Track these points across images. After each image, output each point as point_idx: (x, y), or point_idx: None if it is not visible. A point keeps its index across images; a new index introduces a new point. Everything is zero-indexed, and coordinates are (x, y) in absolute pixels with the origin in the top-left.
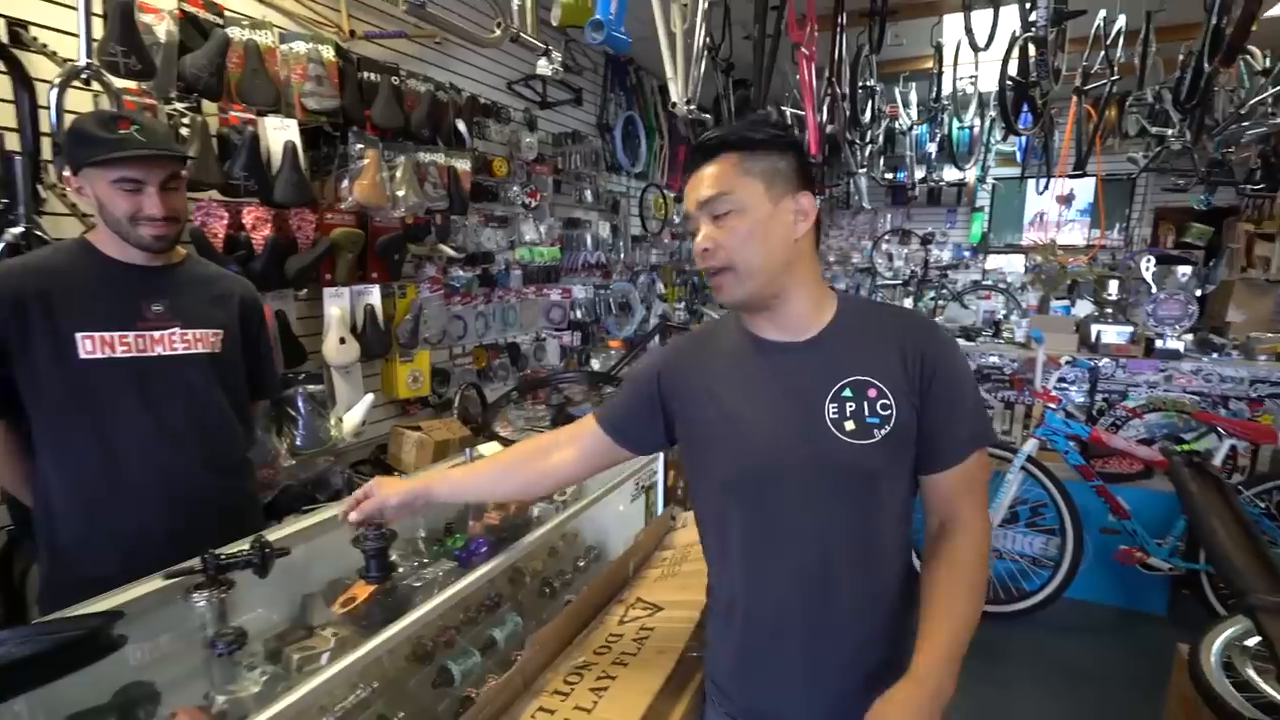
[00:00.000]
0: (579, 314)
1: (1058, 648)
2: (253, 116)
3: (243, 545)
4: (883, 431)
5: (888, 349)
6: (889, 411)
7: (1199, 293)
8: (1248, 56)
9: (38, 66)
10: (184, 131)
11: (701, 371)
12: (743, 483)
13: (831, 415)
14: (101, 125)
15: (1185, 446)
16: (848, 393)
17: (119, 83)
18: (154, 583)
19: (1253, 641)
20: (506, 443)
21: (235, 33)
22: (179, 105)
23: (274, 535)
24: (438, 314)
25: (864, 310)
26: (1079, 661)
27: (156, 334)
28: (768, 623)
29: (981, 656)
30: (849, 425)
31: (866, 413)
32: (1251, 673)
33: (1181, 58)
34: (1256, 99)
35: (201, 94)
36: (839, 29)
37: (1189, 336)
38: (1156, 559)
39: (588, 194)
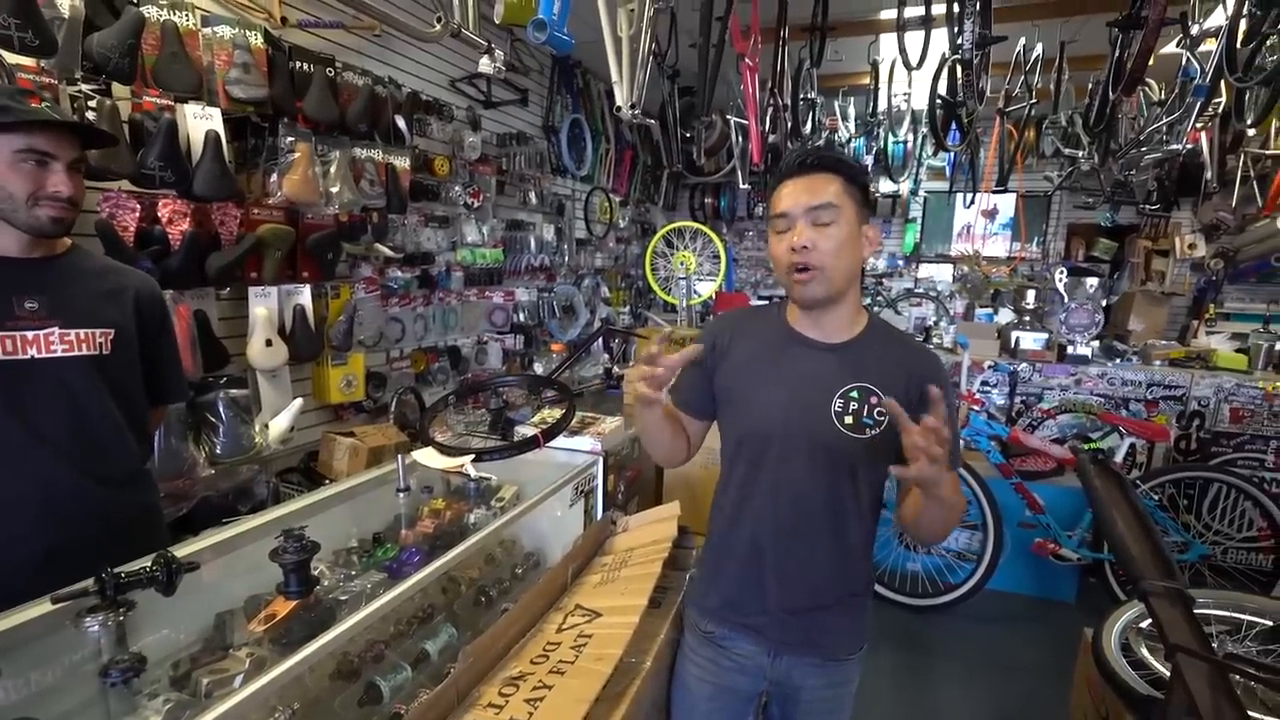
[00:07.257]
0: (522, 317)
1: (980, 636)
2: (170, 103)
3: (145, 562)
4: (872, 433)
5: (897, 370)
6: (883, 420)
7: (1104, 303)
8: (1146, 88)
9: None
10: (90, 115)
11: (744, 348)
12: (750, 441)
13: (836, 408)
14: (9, 96)
15: (1091, 445)
16: (854, 394)
17: (13, 59)
18: (40, 607)
19: (1146, 623)
20: (443, 449)
21: (151, 12)
22: (85, 87)
23: (187, 549)
24: (374, 316)
25: (887, 334)
26: (999, 648)
27: (30, 334)
28: (746, 552)
29: (909, 647)
30: (848, 419)
31: (864, 414)
32: (1145, 652)
33: (1090, 86)
34: (1153, 127)
35: (111, 76)
36: (781, 42)
37: (1096, 343)
38: (1067, 550)
39: (532, 196)
